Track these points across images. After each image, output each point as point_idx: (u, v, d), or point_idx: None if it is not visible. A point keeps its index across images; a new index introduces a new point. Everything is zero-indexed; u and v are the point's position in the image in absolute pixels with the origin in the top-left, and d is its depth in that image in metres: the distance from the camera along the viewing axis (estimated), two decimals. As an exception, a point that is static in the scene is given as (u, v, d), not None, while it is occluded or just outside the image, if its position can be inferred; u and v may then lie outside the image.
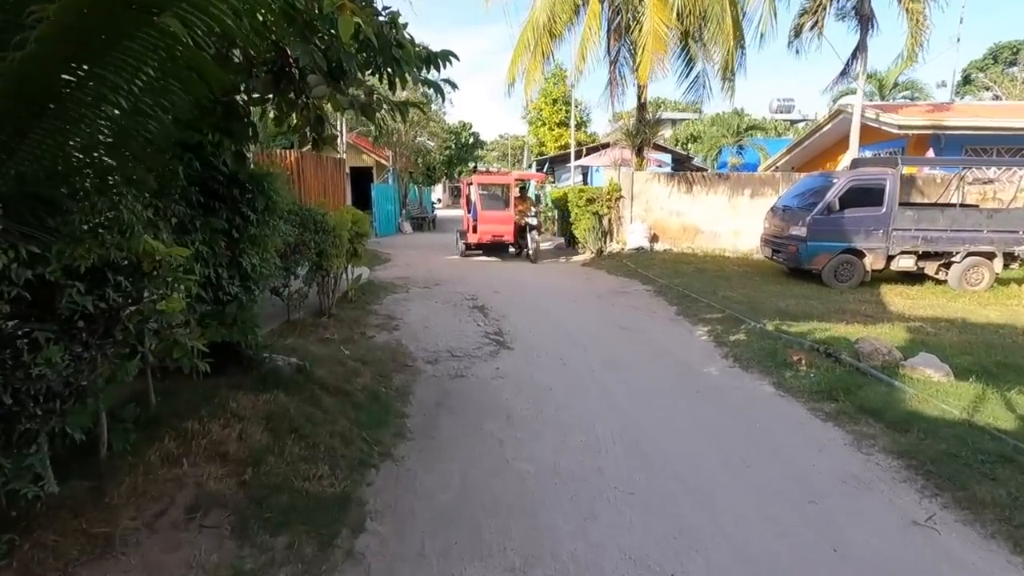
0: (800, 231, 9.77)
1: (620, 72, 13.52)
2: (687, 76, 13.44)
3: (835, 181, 9.87)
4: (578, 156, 20.27)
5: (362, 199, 20.38)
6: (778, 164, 19.20)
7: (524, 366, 5.55)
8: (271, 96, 3.62)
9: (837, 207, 9.50)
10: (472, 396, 4.71)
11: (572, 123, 19.60)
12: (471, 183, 14.44)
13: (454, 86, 4.11)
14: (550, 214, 20.41)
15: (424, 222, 23.60)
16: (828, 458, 3.70)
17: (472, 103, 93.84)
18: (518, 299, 8.90)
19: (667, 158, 20.74)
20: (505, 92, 14.07)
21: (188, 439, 2.98)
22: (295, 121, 3.78)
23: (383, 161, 23.15)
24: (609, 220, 13.71)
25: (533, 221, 13.41)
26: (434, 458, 3.59)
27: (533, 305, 8.55)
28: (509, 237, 13.48)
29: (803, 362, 5.37)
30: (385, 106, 3.97)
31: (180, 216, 3.18)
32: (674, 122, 30.36)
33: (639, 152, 13.79)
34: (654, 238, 13.58)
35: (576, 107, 24.79)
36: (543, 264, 13.34)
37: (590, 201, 13.71)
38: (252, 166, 4.06)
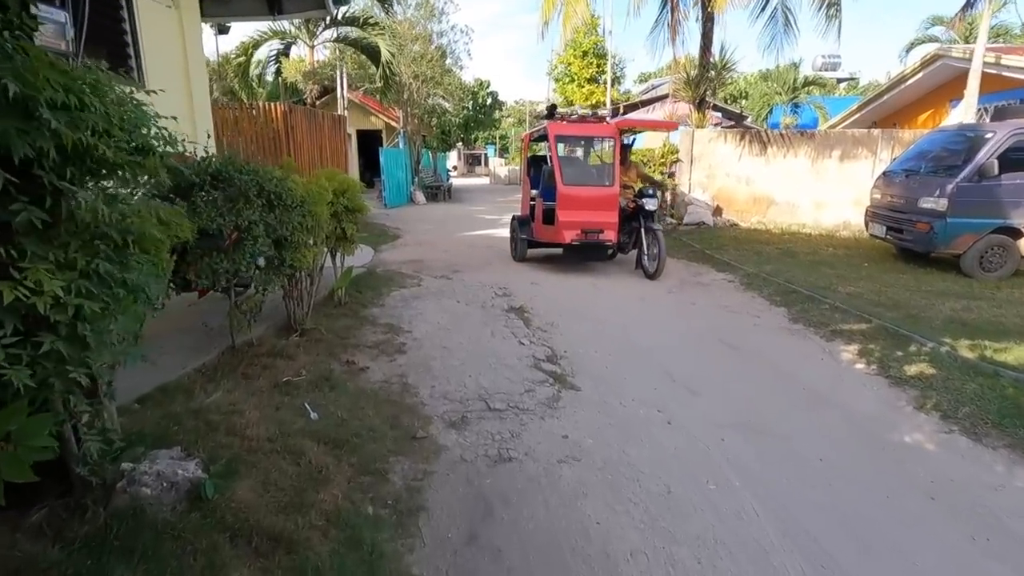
0: (936, 203, 7.36)
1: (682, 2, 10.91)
2: (763, 9, 10.82)
3: (985, 136, 7.39)
4: (615, 115, 17.68)
5: (372, 166, 18.14)
6: (845, 123, 16.51)
7: (605, 428, 3.40)
8: None
9: (994, 171, 7.07)
10: (532, 515, 2.57)
11: (609, 73, 16.93)
12: (540, 136, 8.61)
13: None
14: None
15: (439, 191, 21.31)
16: None
17: (486, 67, 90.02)
18: (564, 293, 6.71)
19: (717, 116, 18.08)
20: (538, 34, 11.46)
21: None
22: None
23: (393, 123, 20.80)
24: (665, 189, 11.33)
25: (652, 206, 7.60)
26: None
27: (588, 301, 6.37)
28: (611, 235, 7.58)
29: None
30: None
31: None
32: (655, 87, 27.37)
33: (700, 105, 11.30)
34: (717, 211, 11.21)
35: (612, 60, 22.02)
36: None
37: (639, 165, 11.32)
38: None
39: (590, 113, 8.54)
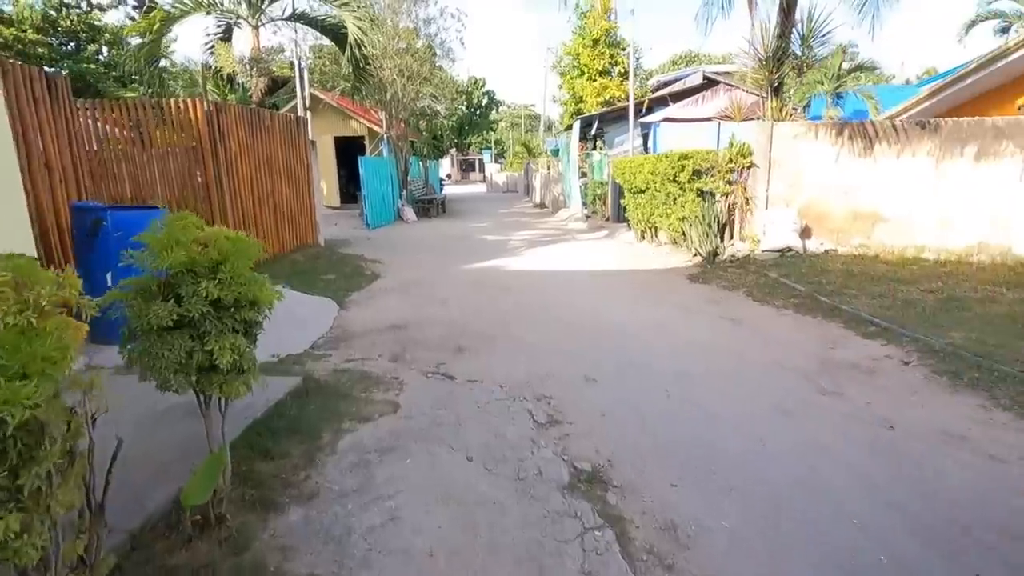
0: None
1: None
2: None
3: None
4: (639, 111, 14.84)
5: (355, 178, 15.24)
6: (908, 114, 13.65)
7: None
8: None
9: None
10: None
11: (632, 59, 14.02)
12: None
13: None
14: (599, 192, 15.14)
15: (431, 206, 18.40)
16: None
17: (479, 71, 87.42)
18: (655, 404, 3.76)
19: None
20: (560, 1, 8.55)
21: None
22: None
23: (377, 128, 17.90)
24: (730, 204, 8.47)
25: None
26: None
27: (712, 437, 3.40)
28: None
29: None
30: None
31: None
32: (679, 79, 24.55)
33: (777, 91, 8.43)
34: (805, 231, 8.33)
35: (625, 50, 19.16)
36: (623, 276, 8.20)
37: (696, 174, 8.45)
38: None
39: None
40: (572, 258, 10.22)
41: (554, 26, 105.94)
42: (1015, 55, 10.32)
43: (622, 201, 11.87)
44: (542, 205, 23.19)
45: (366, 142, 19.60)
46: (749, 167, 8.28)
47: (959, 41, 18.90)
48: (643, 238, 11.31)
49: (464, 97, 22.50)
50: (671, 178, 8.86)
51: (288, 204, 9.10)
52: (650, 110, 15.19)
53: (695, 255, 8.92)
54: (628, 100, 17.89)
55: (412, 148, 20.44)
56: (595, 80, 18.35)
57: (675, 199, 9.06)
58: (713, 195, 8.43)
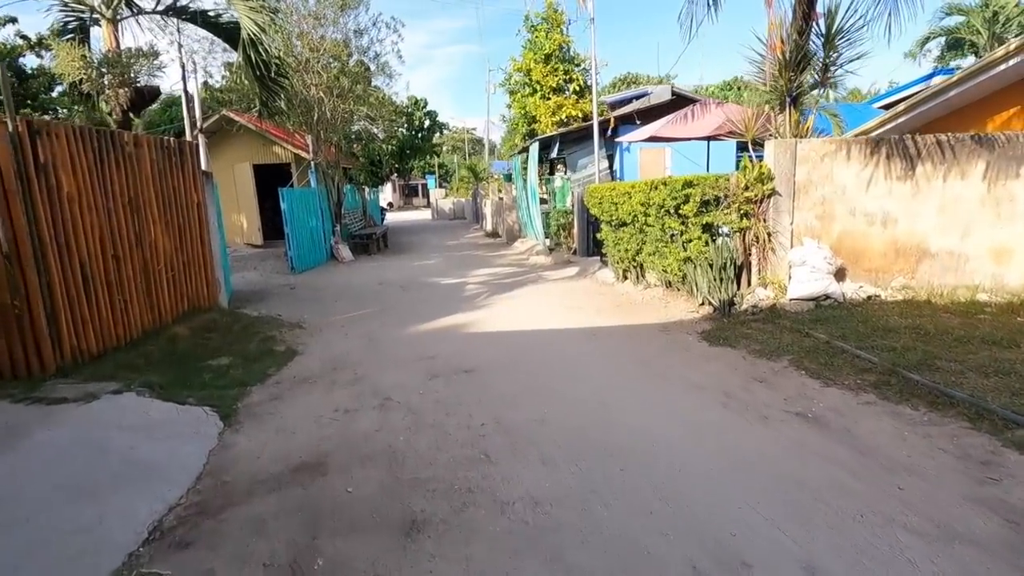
0: None
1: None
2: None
3: None
4: (604, 131, 13.23)
5: (278, 213, 12.78)
6: (885, 128, 12.68)
7: None
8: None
9: None
10: None
11: (594, 71, 12.36)
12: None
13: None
14: (563, 221, 13.35)
15: (371, 241, 16.08)
16: None
17: (420, 91, 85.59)
18: None
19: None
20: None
21: None
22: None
23: (304, 154, 15.52)
24: (747, 241, 6.75)
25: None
26: None
27: None
28: None
29: None
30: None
31: None
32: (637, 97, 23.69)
33: (796, 102, 6.86)
34: (839, 272, 6.71)
35: (580, 66, 17.66)
36: (619, 336, 6.28)
37: (704, 205, 6.70)
38: None
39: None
40: (547, 308, 8.24)
41: (497, 50, 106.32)
42: (994, 71, 9.25)
43: (598, 235, 10.08)
44: (494, 234, 21.27)
45: (293, 170, 17.12)
46: (770, 195, 6.61)
47: (913, 58, 18.59)
48: (625, 278, 9.52)
49: (404, 119, 20.43)
50: (671, 210, 7.09)
51: (168, 258, 6.69)
52: (615, 130, 13.61)
53: (702, 304, 7.15)
54: (590, 119, 16.35)
55: (347, 176, 18.11)
56: (549, 98, 16.74)
57: (674, 236, 7.29)
58: (720, 231, 6.69)
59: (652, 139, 9.01)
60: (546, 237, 13.83)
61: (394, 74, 14.87)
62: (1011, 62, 8.81)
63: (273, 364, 5.88)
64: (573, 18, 16.15)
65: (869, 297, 6.59)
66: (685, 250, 7.07)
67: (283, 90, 8.50)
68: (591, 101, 17.49)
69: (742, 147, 15.02)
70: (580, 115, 16.74)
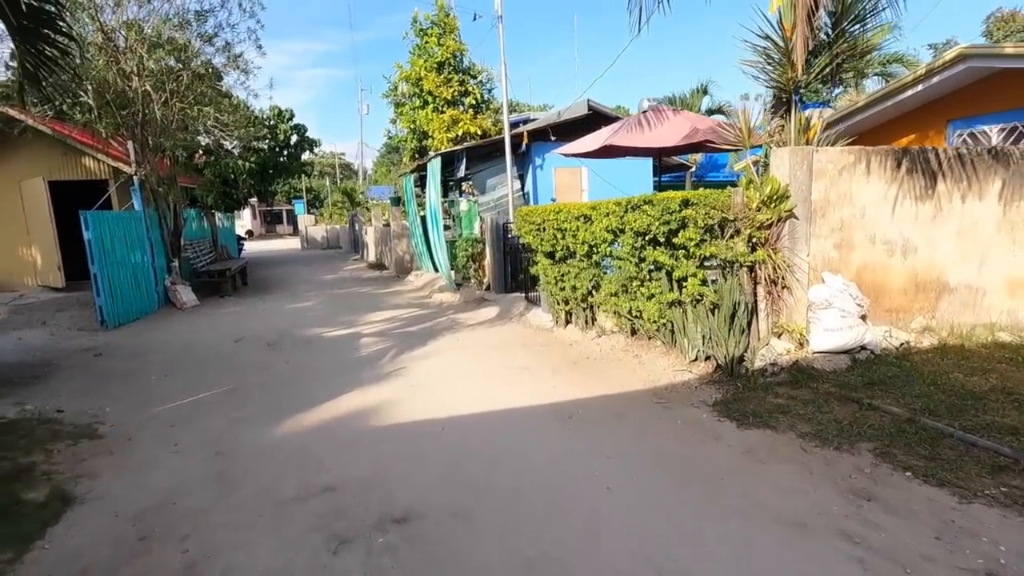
0: None
1: None
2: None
3: None
4: (516, 147, 11.41)
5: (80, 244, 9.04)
6: (845, 125, 12.28)
7: None
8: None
9: None
10: None
11: (504, 78, 10.54)
12: None
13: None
14: (472, 251, 11.22)
15: (224, 279, 12.60)
16: None
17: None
18: None
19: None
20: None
21: None
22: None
23: (126, 168, 11.75)
24: (756, 278, 5.12)
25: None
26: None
27: None
28: None
29: None
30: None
31: None
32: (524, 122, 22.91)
33: (801, 99, 5.44)
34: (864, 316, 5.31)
35: (477, 78, 15.80)
36: (601, 421, 4.28)
37: (709, 231, 4.97)
38: None
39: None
40: (482, 371, 5.99)
41: (367, 73, 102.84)
42: (911, 91, 9.00)
43: (532, 269, 8.08)
44: (379, 265, 18.49)
45: (112, 189, 13.08)
46: (787, 218, 5.06)
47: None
48: (568, 322, 7.60)
49: (266, 130, 17.13)
50: (659, 238, 5.28)
51: None
52: (528, 147, 11.87)
53: (695, 360, 5.40)
54: (488, 136, 14.57)
55: (190, 197, 14.41)
56: (443, 111, 14.66)
57: (652, 272, 5.50)
58: (731, 266, 5.01)
59: (608, 146, 7.28)
60: (452, 270, 11.58)
61: (251, 70, 11.86)
62: (932, 80, 8.48)
63: (8, 542, 2.97)
64: (479, 13, 14.21)
65: (901, 344, 5.27)
66: (677, 290, 5.29)
67: (70, 60, 5.48)
68: (489, 117, 15.77)
69: (656, 170, 14.11)
70: (479, 132, 14.87)
